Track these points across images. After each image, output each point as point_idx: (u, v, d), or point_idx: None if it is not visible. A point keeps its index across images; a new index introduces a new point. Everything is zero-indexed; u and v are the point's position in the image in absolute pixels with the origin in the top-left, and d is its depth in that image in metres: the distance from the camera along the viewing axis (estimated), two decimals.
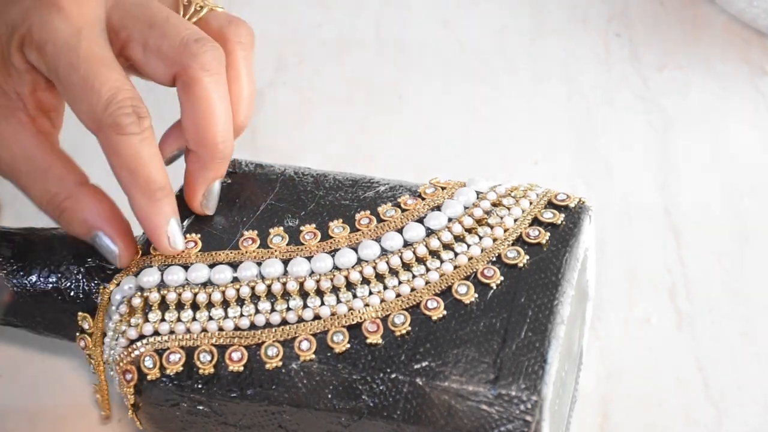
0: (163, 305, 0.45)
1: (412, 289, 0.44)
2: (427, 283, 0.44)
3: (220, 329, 0.44)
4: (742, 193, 0.59)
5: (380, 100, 0.66)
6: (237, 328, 0.44)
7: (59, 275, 0.47)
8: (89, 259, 0.47)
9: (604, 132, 0.63)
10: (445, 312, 0.43)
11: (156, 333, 0.44)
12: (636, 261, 0.57)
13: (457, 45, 0.69)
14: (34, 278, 0.47)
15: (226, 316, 0.44)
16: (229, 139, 0.47)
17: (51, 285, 0.47)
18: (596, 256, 0.48)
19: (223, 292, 0.44)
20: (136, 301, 0.45)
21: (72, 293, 0.47)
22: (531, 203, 0.47)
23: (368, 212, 0.47)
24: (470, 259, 0.45)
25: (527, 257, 0.44)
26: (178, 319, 0.44)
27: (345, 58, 0.68)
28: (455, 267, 0.44)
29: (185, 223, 0.47)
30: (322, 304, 0.44)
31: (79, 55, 0.46)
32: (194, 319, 0.44)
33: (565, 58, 0.67)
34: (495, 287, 0.44)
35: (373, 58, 0.68)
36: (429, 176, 0.61)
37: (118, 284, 0.46)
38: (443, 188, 0.48)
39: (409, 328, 0.43)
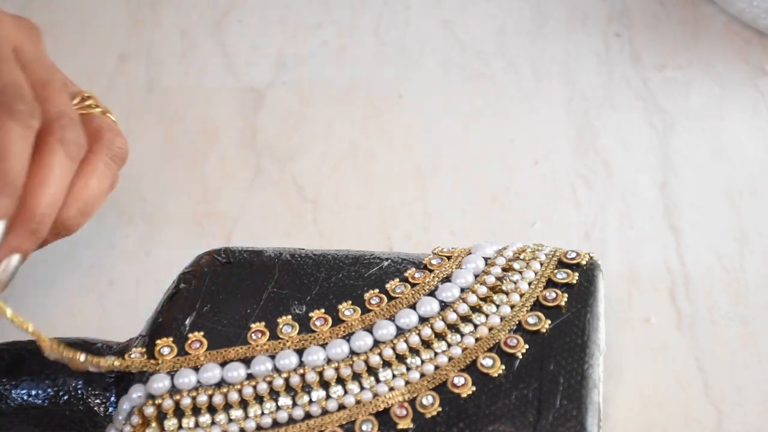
0: (178, 411, 0.43)
1: (437, 367, 0.43)
2: (450, 359, 0.43)
3: (242, 430, 0.42)
4: (742, 193, 0.59)
5: (380, 100, 0.66)
6: (259, 428, 0.42)
7: (56, 388, 0.45)
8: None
9: (604, 132, 0.63)
10: (473, 388, 0.42)
11: None
12: (636, 261, 0.57)
13: (457, 45, 0.69)
14: (25, 394, 0.45)
15: (247, 416, 0.42)
16: (47, 216, 0.45)
17: (47, 400, 0.45)
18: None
19: (240, 391, 0.43)
20: (149, 410, 0.43)
21: (71, 407, 0.45)
22: (542, 264, 0.46)
23: (377, 290, 0.46)
24: (491, 329, 0.44)
25: (549, 321, 0.44)
26: (197, 425, 0.42)
27: (345, 58, 0.68)
28: (477, 339, 0.43)
29: (188, 321, 0.45)
30: (346, 392, 0.42)
31: None
32: (213, 422, 0.42)
33: (565, 58, 0.67)
34: (521, 356, 0.43)
35: (373, 58, 0.68)
36: (429, 177, 0.61)
37: (125, 393, 0.44)
38: (449, 257, 0.47)
39: (440, 409, 0.41)
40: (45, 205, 0.45)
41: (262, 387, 0.43)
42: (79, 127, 0.47)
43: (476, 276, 0.46)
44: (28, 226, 0.45)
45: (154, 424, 0.42)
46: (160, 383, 0.43)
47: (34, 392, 0.45)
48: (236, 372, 0.43)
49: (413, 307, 0.45)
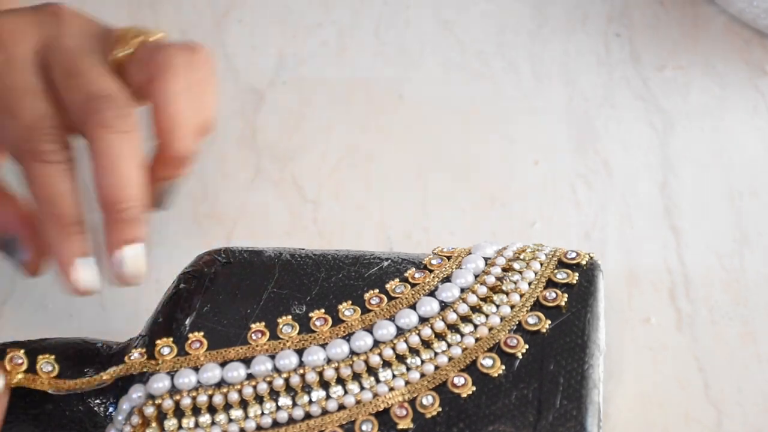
0: (179, 411, 0.43)
1: (437, 367, 0.43)
2: (450, 359, 0.43)
3: (242, 430, 0.42)
4: (742, 193, 0.59)
5: (380, 100, 0.66)
6: (259, 428, 0.42)
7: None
8: (86, 370, 0.45)
9: (604, 132, 0.63)
10: (473, 388, 0.42)
11: None
12: (636, 261, 0.57)
13: (457, 45, 0.69)
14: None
15: (247, 416, 0.42)
16: (133, 200, 0.44)
17: (47, 400, 0.45)
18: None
19: (240, 391, 0.43)
20: (149, 410, 0.43)
21: (71, 407, 0.45)
22: (542, 264, 0.46)
23: (377, 290, 0.46)
24: (491, 329, 0.44)
25: (549, 322, 0.43)
26: (197, 425, 0.42)
27: (345, 58, 0.68)
28: (477, 339, 0.43)
29: (188, 320, 0.45)
30: (346, 392, 0.42)
31: (5, 83, 0.45)
32: (213, 422, 0.42)
33: (565, 58, 0.67)
34: (521, 356, 0.42)
35: (373, 58, 0.68)
36: (429, 177, 0.61)
37: (125, 393, 0.44)
38: (449, 257, 0.47)
39: (439, 409, 0.41)
40: (123, 198, 0.44)
41: (262, 387, 0.43)
42: (112, 100, 0.45)
43: (476, 276, 0.46)
44: (117, 221, 0.44)
45: (154, 424, 0.42)
46: (160, 383, 0.43)
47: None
48: (236, 372, 0.43)
49: (413, 307, 0.45)
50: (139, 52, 0.48)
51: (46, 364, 0.45)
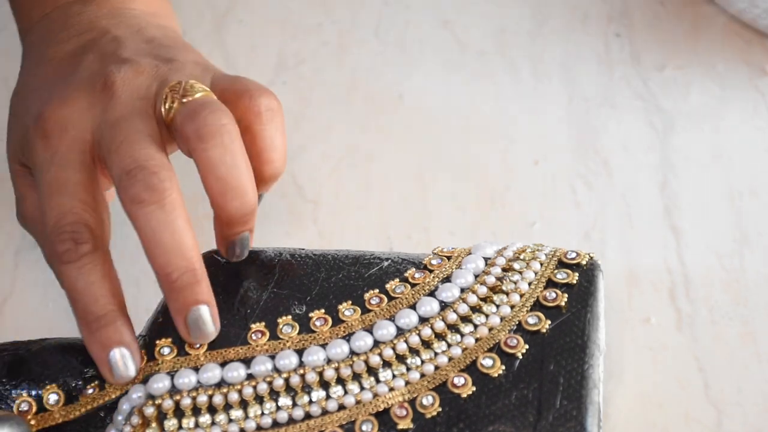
0: (179, 411, 0.43)
1: (437, 368, 0.43)
2: (450, 359, 0.43)
3: (242, 431, 0.42)
4: (742, 193, 0.59)
5: (380, 100, 0.66)
6: (259, 428, 0.42)
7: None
8: (85, 370, 0.45)
9: (604, 132, 0.63)
10: (473, 388, 0.42)
11: None
12: (636, 261, 0.57)
13: (457, 45, 0.69)
14: (25, 393, 0.45)
15: (247, 417, 0.42)
16: (181, 268, 0.43)
17: None
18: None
19: (240, 391, 0.43)
20: (149, 410, 0.42)
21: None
22: (542, 264, 0.46)
23: (377, 290, 0.46)
24: (491, 329, 0.44)
25: (549, 322, 0.44)
26: (197, 425, 0.42)
27: (345, 58, 0.68)
28: (477, 339, 0.43)
29: None
30: (346, 392, 0.42)
31: (43, 180, 0.46)
32: (213, 423, 0.42)
33: (565, 58, 0.67)
34: (521, 356, 0.43)
35: (373, 58, 0.68)
36: (429, 177, 0.61)
37: (126, 392, 0.44)
38: (449, 257, 0.47)
39: (439, 409, 0.41)
40: (168, 269, 0.43)
41: (262, 387, 0.43)
42: (140, 173, 0.44)
43: (476, 276, 0.46)
44: (172, 289, 0.44)
45: (154, 425, 0.42)
46: (160, 383, 0.43)
47: (34, 392, 0.45)
48: (236, 372, 0.43)
49: (413, 307, 0.45)
50: (180, 111, 0.46)
51: (52, 395, 0.45)
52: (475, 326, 0.44)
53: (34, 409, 0.45)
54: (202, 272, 0.44)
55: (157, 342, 0.45)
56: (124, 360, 0.44)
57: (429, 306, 0.44)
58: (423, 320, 0.44)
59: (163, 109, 0.47)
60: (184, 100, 0.46)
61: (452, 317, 0.44)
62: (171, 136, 0.47)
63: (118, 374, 0.44)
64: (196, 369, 0.44)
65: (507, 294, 0.45)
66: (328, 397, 0.42)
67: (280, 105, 0.49)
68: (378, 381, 0.43)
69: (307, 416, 0.42)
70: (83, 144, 0.47)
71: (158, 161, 0.45)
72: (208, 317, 0.44)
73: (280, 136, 0.48)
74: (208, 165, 0.45)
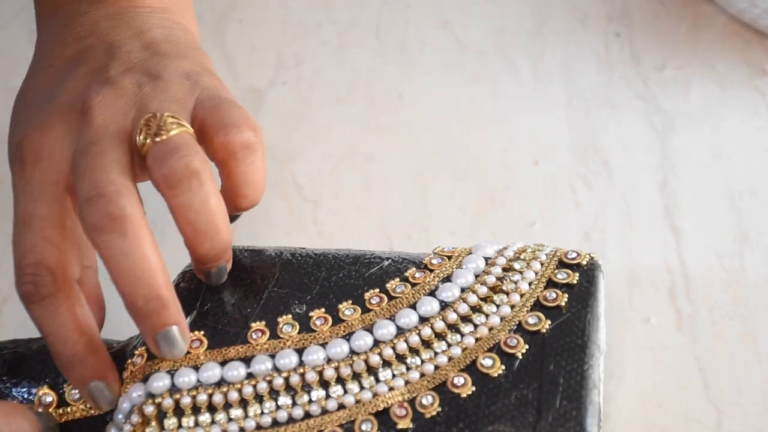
0: (178, 410, 0.42)
1: (436, 367, 0.43)
2: (450, 359, 0.43)
3: (242, 430, 0.42)
4: (742, 193, 0.59)
5: (380, 100, 0.66)
6: (259, 427, 0.42)
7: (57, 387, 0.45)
8: None
9: (604, 132, 0.63)
10: (473, 388, 0.42)
11: None
12: (636, 261, 0.57)
13: (457, 45, 0.69)
14: (26, 392, 0.45)
15: (246, 416, 0.42)
16: (144, 297, 0.43)
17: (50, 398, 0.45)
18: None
19: (240, 390, 0.43)
20: (149, 409, 0.42)
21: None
22: (542, 264, 0.46)
23: (377, 290, 0.46)
24: (491, 329, 0.44)
25: (549, 322, 0.44)
26: (197, 424, 0.42)
27: (345, 58, 0.68)
28: (477, 339, 0.43)
29: (188, 319, 0.45)
30: (345, 392, 0.42)
31: (15, 211, 0.45)
32: (213, 422, 0.42)
33: (565, 58, 0.67)
34: (521, 356, 0.43)
35: (373, 58, 0.68)
36: (429, 177, 0.61)
37: (126, 391, 0.44)
38: (449, 257, 0.47)
39: (439, 409, 0.41)
40: (134, 295, 0.43)
41: (262, 386, 0.43)
42: (98, 201, 0.43)
43: (477, 276, 0.46)
44: (138, 315, 0.43)
45: (154, 423, 0.42)
46: (160, 382, 0.43)
47: (34, 391, 0.45)
48: (236, 371, 0.43)
49: (413, 306, 0.45)
50: (151, 151, 0.45)
51: (73, 391, 0.45)
52: (475, 326, 0.44)
53: (55, 402, 0.45)
54: (169, 295, 0.43)
55: None
56: (100, 391, 0.44)
57: (429, 306, 0.44)
58: (423, 320, 0.44)
59: (138, 140, 0.46)
60: (157, 139, 0.45)
61: (452, 317, 0.44)
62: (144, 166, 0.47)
63: (99, 404, 0.44)
64: (196, 368, 0.44)
65: (507, 294, 0.45)
66: (327, 396, 0.42)
67: (260, 137, 0.47)
68: (378, 380, 0.43)
69: (307, 415, 0.42)
70: (57, 174, 0.46)
71: (118, 186, 0.43)
72: (177, 336, 0.44)
73: (256, 171, 0.47)
74: (177, 210, 0.45)
